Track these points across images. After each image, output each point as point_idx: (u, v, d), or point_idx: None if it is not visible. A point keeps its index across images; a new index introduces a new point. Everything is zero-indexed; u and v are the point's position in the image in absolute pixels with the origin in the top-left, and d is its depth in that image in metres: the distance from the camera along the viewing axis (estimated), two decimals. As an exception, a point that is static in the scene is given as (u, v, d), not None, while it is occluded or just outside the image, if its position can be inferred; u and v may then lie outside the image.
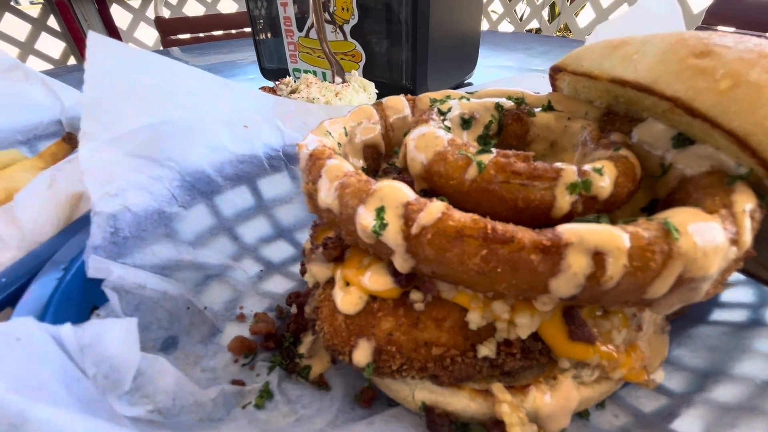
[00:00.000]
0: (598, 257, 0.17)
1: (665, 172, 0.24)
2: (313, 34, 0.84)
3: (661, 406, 0.23)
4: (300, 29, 0.86)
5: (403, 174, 0.31)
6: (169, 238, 0.30)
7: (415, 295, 0.22)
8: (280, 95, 0.62)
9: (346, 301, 0.23)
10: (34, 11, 2.69)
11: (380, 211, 0.20)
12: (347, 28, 0.79)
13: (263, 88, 0.63)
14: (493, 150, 0.22)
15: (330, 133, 0.28)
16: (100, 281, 0.24)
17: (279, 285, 0.35)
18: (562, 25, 3.03)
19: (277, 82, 0.63)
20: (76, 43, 2.89)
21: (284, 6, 0.85)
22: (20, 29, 2.65)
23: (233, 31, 2.28)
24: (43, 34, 2.75)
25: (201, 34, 2.34)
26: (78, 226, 0.27)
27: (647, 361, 0.24)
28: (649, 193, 0.25)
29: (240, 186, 0.35)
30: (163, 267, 0.28)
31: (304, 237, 0.38)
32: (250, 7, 0.93)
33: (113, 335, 0.19)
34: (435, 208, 0.19)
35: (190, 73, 0.34)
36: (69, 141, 0.43)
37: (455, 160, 0.22)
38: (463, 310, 0.22)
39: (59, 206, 0.26)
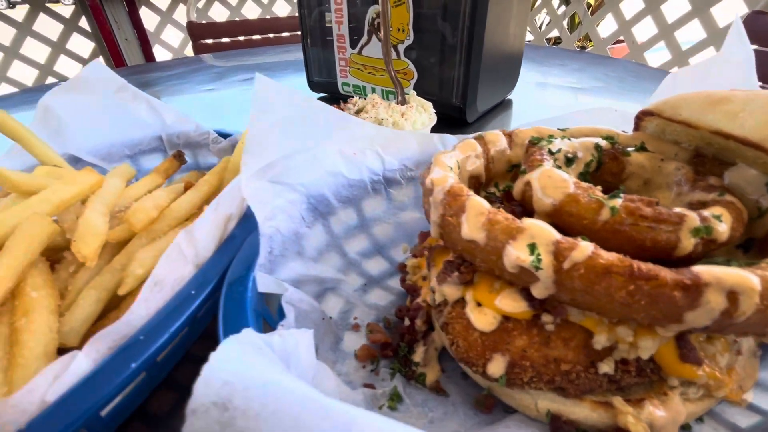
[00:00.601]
0: (732, 296, 0.20)
1: (762, 215, 0.27)
2: (366, 51, 0.88)
3: (756, 423, 0.27)
4: (353, 47, 0.90)
5: (506, 203, 0.35)
6: (299, 255, 0.33)
7: (546, 317, 0.26)
8: (348, 111, 0.66)
9: (482, 320, 0.26)
10: (67, 11, 2.77)
11: (533, 247, 0.23)
12: (401, 47, 0.83)
13: (335, 105, 0.67)
14: (621, 195, 0.25)
15: (450, 168, 0.32)
16: (264, 295, 0.27)
17: (381, 297, 0.38)
18: (582, 36, 3.05)
19: (345, 102, 0.67)
20: (107, 44, 2.97)
21: (339, 24, 0.89)
22: (53, 29, 2.73)
23: (270, 36, 2.33)
24: (74, 35, 2.82)
25: (227, 39, 2.38)
26: (229, 244, 0.31)
27: (742, 381, 0.27)
28: (746, 233, 0.28)
29: (349, 207, 0.39)
30: (297, 281, 0.32)
31: (396, 253, 0.42)
32: (302, 22, 0.97)
33: (304, 344, 0.23)
34: (585, 247, 0.22)
35: (322, 108, 0.38)
36: (178, 158, 0.47)
37: (588, 203, 0.25)
38: (587, 332, 0.26)
39: (219, 227, 0.30)
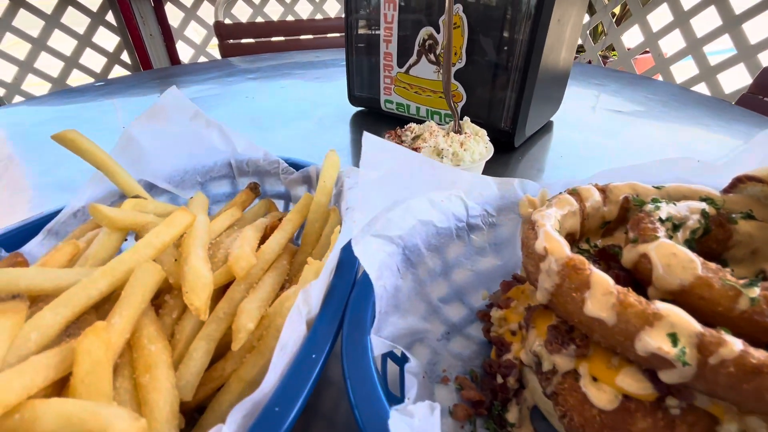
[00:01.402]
0: None
1: None
2: (414, 71, 0.88)
3: None
4: (400, 66, 0.90)
5: (602, 263, 0.34)
6: (396, 308, 0.33)
7: (672, 401, 0.25)
8: (404, 140, 0.66)
9: (602, 398, 0.26)
10: (94, 4, 2.80)
11: (674, 338, 0.23)
12: (452, 69, 0.83)
13: (388, 134, 0.67)
14: (758, 284, 0.25)
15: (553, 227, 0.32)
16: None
17: (463, 346, 0.38)
18: (605, 47, 3.02)
19: (401, 128, 0.67)
20: (132, 40, 3.00)
21: (387, 42, 0.89)
22: (80, 22, 2.76)
23: (301, 37, 2.33)
24: (100, 28, 2.86)
25: (252, 40, 2.38)
26: (333, 298, 0.31)
27: None
28: None
29: (435, 255, 0.39)
30: (395, 337, 0.32)
31: (475, 299, 0.42)
32: (348, 38, 0.97)
33: (437, 421, 0.23)
34: (734, 343, 0.22)
35: (420, 160, 0.38)
36: (254, 190, 0.48)
37: (723, 290, 0.25)
38: (713, 418, 0.25)
39: (326, 283, 0.30)
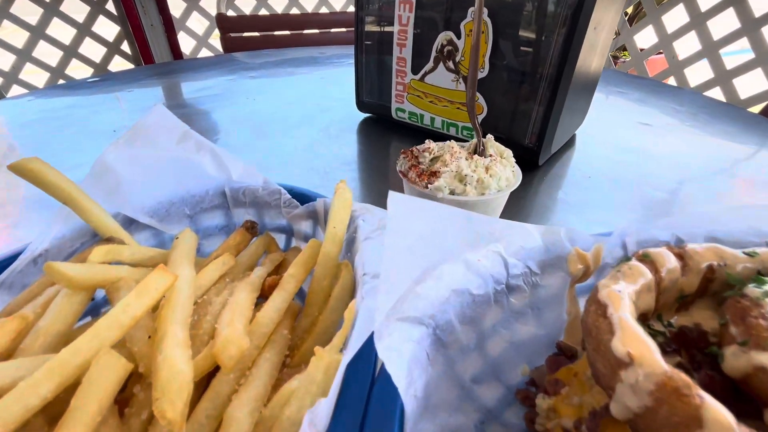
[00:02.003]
0: None
1: None
2: (429, 79, 0.80)
3: None
4: (414, 72, 0.82)
5: (683, 353, 0.28)
6: (425, 410, 0.27)
7: None
8: (421, 162, 0.58)
9: None
10: (94, -7, 2.71)
11: None
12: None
13: (404, 154, 0.60)
14: None
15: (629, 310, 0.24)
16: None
17: (501, 438, 0.31)
18: (617, 47, 2.93)
19: (418, 149, 0.59)
20: (132, 30, 2.93)
21: (401, 47, 0.81)
22: (80, 10, 2.69)
23: (305, 32, 2.24)
24: (101, 18, 2.79)
25: (257, 33, 2.29)
26: (342, 416, 0.24)
27: None
28: None
29: (470, 328, 0.32)
30: (424, 445, 0.25)
31: (512, 375, 0.35)
32: (358, 39, 0.89)
33: None
34: None
35: (451, 214, 0.31)
36: (251, 230, 0.41)
37: None
38: None
39: (336, 395, 0.23)
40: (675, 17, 2.07)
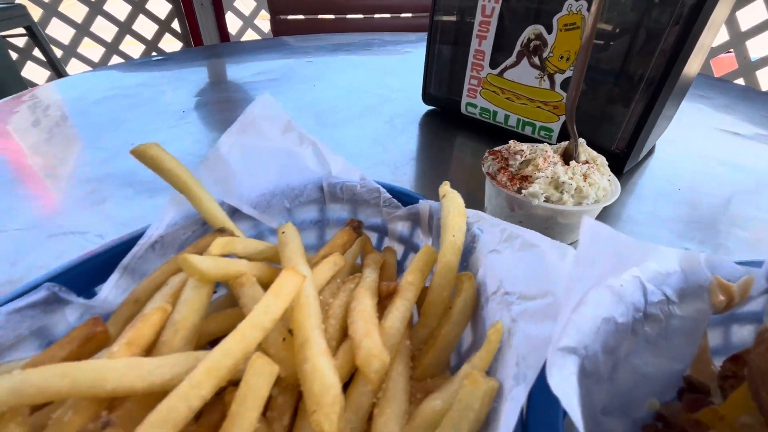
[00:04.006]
0: None
1: None
2: (509, 74, 0.76)
3: None
4: (493, 67, 0.78)
5: None
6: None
7: None
8: (510, 164, 0.55)
9: None
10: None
11: None
12: (558, 78, 0.71)
13: (493, 154, 0.57)
14: None
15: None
16: None
17: (629, 476, 0.29)
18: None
19: (508, 150, 0.56)
20: (184, 8, 2.98)
21: (480, 39, 0.77)
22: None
23: (348, 17, 2.21)
24: (154, -3, 2.82)
25: (302, 16, 2.27)
26: None
27: None
28: None
29: (609, 357, 0.29)
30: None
31: (638, 410, 0.33)
32: (432, 29, 0.86)
33: None
34: None
35: (638, 248, 0.28)
36: (357, 230, 0.40)
37: None
38: None
39: None
40: (750, 13, 1.91)
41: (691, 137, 0.90)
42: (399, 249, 0.44)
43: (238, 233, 0.38)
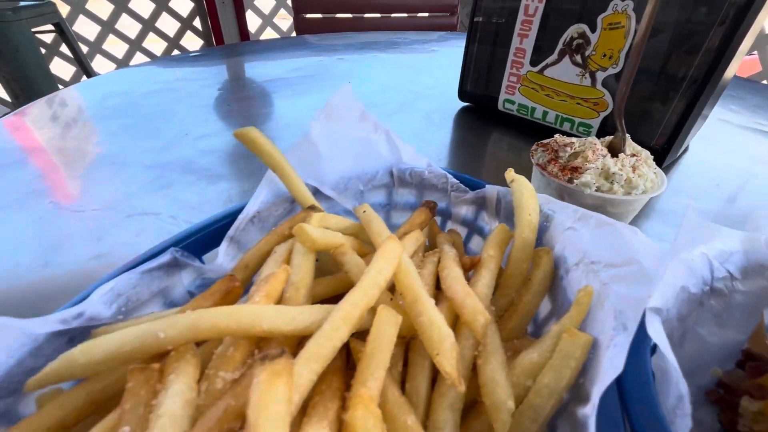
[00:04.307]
0: None
1: None
2: (550, 72, 0.79)
3: None
4: (533, 65, 0.81)
5: None
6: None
7: None
8: (560, 156, 0.58)
9: None
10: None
11: None
12: (600, 75, 0.73)
13: (543, 146, 0.60)
14: None
15: None
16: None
17: (696, 434, 0.32)
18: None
19: (557, 142, 0.59)
20: (207, 4, 3.03)
21: (522, 37, 0.80)
22: (159, -14, 2.79)
23: (365, 16, 2.25)
24: (177, -5, 2.87)
25: (320, 15, 2.30)
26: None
27: None
28: None
29: (680, 325, 0.32)
30: None
31: (702, 377, 0.35)
32: (472, 27, 0.89)
33: None
34: None
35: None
36: (432, 210, 0.43)
37: None
38: None
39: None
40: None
41: (725, 135, 0.92)
42: (462, 231, 0.48)
43: (330, 216, 0.41)
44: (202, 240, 0.37)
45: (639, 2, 0.65)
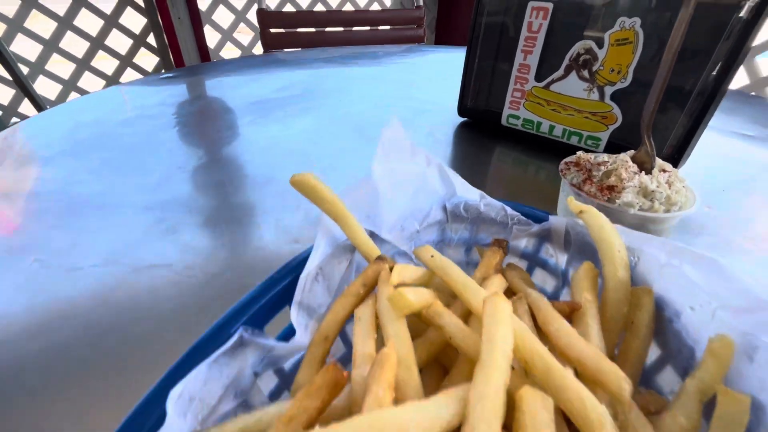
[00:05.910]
0: None
1: None
2: (556, 87, 0.79)
3: None
4: (538, 80, 0.81)
5: None
6: None
7: None
8: (594, 175, 0.58)
9: None
10: (123, -14, 2.69)
11: None
12: (608, 89, 0.74)
13: (575, 165, 0.59)
14: None
15: None
16: None
17: None
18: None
19: (592, 161, 0.59)
20: (162, 20, 2.91)
21: (526, 53, 0.80)
22: (107, 2, 2.68)
23: (327, 29, 2.23)
24: (128, 9, 2.77)
25: (282, 29, 2.26)
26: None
27: None
28: None
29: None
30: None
31: None
32: (472, 42, 0.88)
33: None
34: None
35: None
36: (503, 248, 0.40)
37: None
38: None
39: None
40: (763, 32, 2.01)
41: (712, 140, 0.97)
42: (521, 265, 0.45)
43: (389, 262, 0.37)
44: (263, 310, 0.32)
45: (646, 19, 0.67)
